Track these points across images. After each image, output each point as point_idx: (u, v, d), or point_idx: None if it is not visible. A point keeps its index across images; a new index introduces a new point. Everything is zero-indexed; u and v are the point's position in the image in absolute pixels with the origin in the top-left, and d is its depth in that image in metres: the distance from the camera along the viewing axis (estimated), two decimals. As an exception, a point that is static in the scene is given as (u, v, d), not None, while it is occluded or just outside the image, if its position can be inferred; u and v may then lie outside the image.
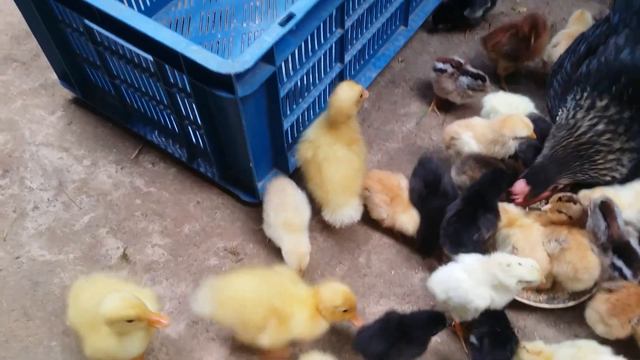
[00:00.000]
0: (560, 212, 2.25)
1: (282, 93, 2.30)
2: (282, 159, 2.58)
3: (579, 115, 2.29)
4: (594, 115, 2.26)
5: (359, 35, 2.78)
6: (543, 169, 2.31)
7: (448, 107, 2.92)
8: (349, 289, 2.04)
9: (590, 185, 2.37)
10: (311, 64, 2.45)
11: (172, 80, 2.29)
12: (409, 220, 2.38)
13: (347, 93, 2.29)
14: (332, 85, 2.75)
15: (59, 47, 2.62)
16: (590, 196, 2.28)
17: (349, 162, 2.37)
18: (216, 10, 3.23)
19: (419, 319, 2.04)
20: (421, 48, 3.20)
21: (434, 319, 2.02)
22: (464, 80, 2.76)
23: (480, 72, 2.79)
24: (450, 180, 2.45)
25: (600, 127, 2.25)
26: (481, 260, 2.07)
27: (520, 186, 2.28)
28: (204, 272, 2.41)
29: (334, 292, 2.02)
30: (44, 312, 2.32)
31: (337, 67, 2.70)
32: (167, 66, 2.19)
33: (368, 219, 2.49)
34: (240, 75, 1.99)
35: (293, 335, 2.04)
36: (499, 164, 2.45)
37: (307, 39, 2.32)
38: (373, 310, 2.31)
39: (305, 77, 2.49)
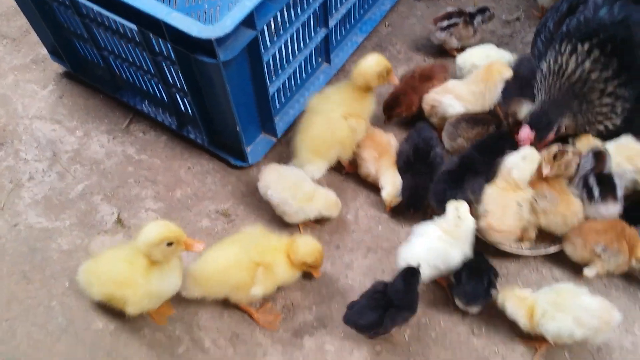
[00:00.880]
0: (559, 165, 2.27)
1: (266, 58, 2.34)
2: (270, 123, 2.63)
3: (563, 59, 2.32)
4: (578, 56, 2.29)
5: (344, 0, 2.81)
6: (544, 112, 2.34)
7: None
8: (321, 247, 2.17)
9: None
10: (294, 28, 2.48)
11: (157, 48, 2.33)
12: (387, 181, 2.44)
13: (372, 62, 2.40)
14: (318, 50, 2.80)
15: (47, 22, 2.66)
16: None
17: (336, 128, 2.43)
18: (202, -20, 3.24)
19: (399, 282, 2.06)
20: (408, 12, 3.23)
21: (410, 275, 2.05)
22: (479, 18, 2.95)
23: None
24: (442, 152, 2.48)
25: (587, 64, 2.27)
26: (436, 225, 2.18)
27: (525, 132, 2.32)
28: (197, 234, 2.48)
29: (311, 250, 2.16)
30: (42, 275, 2.39)
31: (322, 32, 2.72)
32: (151, 35, 2.24)
33: (356, 178, 2.57)
34: (221, 40, 2.03)
35: (280, 279, 2.17)
36: (488, 118, 2.51)
37: (289, 2, 2.34)
38: (361, 264, 2.38)
39: (289, 41, 2.52)
